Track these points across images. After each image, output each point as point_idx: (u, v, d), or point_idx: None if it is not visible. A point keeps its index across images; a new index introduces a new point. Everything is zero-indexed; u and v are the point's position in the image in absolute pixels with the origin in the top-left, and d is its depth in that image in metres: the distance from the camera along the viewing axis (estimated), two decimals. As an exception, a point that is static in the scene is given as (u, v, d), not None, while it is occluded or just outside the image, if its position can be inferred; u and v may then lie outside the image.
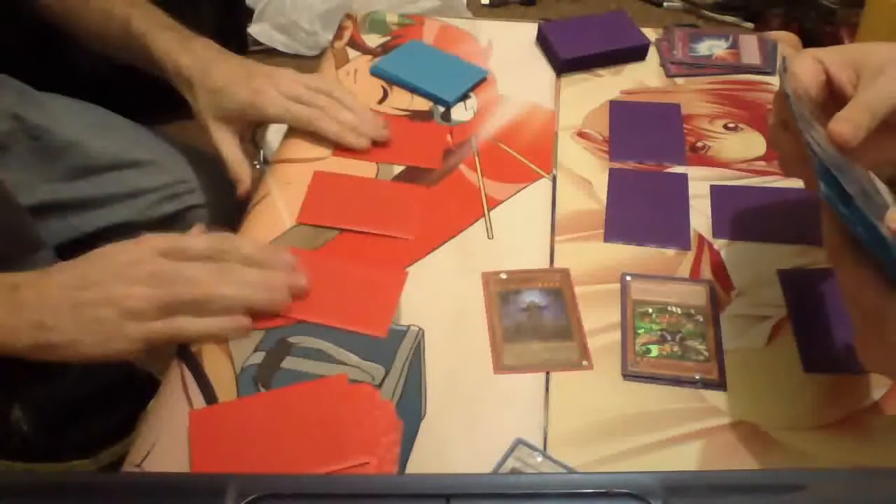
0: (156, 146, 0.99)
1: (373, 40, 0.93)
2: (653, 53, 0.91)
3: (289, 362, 0.59)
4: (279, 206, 0.72)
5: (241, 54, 1.74)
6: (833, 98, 0.54)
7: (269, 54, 1.65)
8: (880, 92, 0.50)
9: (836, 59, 0.54)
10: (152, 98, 1.32)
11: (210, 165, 1.00)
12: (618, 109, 0.83)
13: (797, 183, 0.62)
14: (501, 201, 0.73)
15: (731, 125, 0.81)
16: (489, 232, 0.70)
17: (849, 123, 0.49)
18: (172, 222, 0.98)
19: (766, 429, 0.55)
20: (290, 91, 0.77)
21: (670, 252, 0.68)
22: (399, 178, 0.75)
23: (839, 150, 0.49)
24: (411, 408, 0.56)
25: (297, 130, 0.81)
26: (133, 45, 0.82)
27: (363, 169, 0.76)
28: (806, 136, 0.48)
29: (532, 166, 0.76)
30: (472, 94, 0.85)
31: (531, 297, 0.64)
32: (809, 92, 0.52)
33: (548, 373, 0.59)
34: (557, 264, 0.67)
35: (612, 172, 0.75)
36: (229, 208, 0.97)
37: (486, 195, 0.73)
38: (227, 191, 0.99)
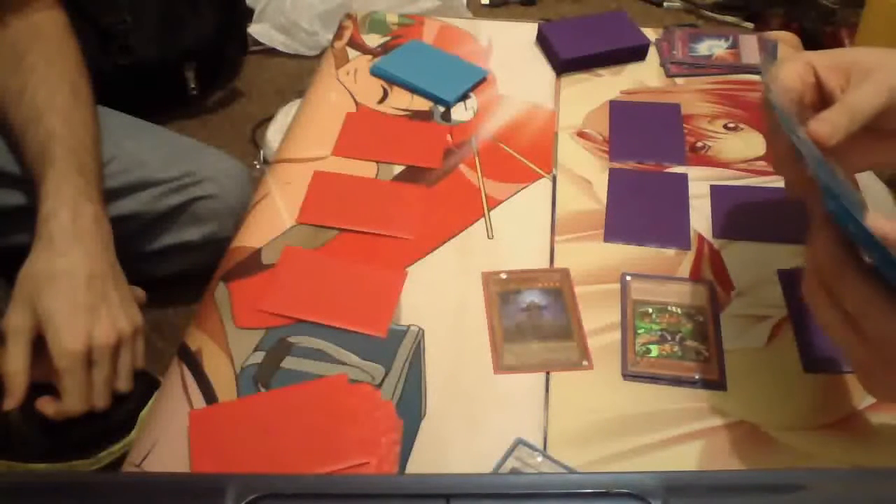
0: (160, 140, 1.00)
1: (373, 40, 0.93)
2: (653, 53, 0.91)
3: (289, 362, 0.59)
4: (279, 206, 0.72)
5: (241, 54, 1.73)
6: (824, 102, 0.55)
7: (269, 54, 1.64)
8: (862, 97, 0.51)
9: (827, 63, 0.54)
10: (152, 97, 1.33)
11: (214, 158, 1.00)
12: (618, 109, 0.83)
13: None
14: (501, 201, 0.73)
15: (730, 125, 0.81)
16: (489, 232, 0.70)
17: (826, 123, 0.50)
18: (178, 214, 0.98)
19: (766, 429, 0.55)
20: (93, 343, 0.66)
21: (670, 252, 0.68)
22: (399, 178, 0.75)
23: (819, 149, 0.49)
24: (411, 408, 0.56)
25: (297, 130, 0.81)
26: (34, 156, 0.74)
27: (363, 169, 0.76)
28: (792, 137, 0.48)
29: (532, 166, 0.76)
30: (472, 94, 0.85)
31: (531, 297, 0.64)
32: (791, 95, 0.53)
33: (548, 373, 0.59)
34: (557, 264, 0.67)
35: (612, 172, 0.75)
36: (233, 201, 0.97)
37: (486, 195, 0.73)
38: (232, 183, 1.00)
